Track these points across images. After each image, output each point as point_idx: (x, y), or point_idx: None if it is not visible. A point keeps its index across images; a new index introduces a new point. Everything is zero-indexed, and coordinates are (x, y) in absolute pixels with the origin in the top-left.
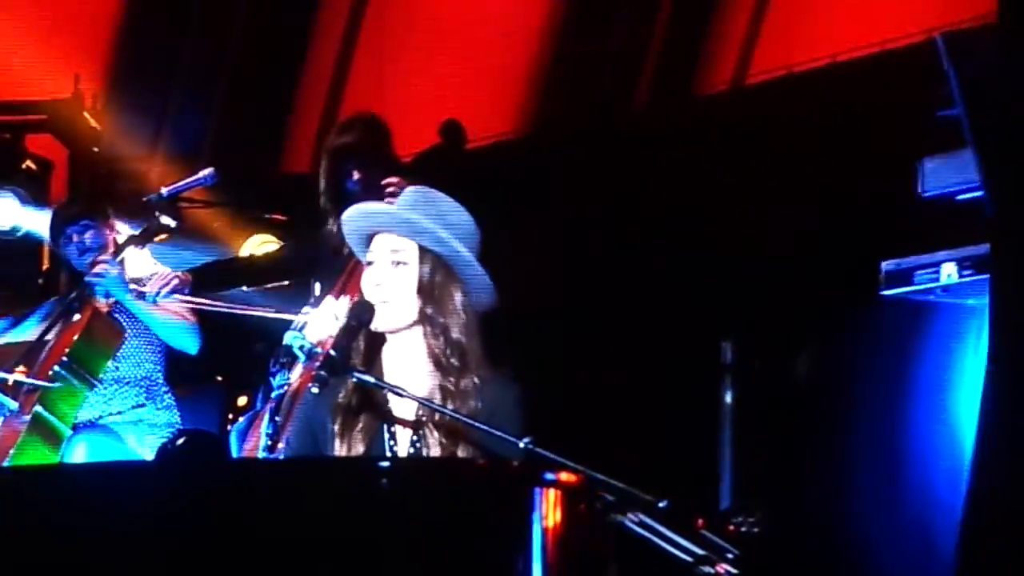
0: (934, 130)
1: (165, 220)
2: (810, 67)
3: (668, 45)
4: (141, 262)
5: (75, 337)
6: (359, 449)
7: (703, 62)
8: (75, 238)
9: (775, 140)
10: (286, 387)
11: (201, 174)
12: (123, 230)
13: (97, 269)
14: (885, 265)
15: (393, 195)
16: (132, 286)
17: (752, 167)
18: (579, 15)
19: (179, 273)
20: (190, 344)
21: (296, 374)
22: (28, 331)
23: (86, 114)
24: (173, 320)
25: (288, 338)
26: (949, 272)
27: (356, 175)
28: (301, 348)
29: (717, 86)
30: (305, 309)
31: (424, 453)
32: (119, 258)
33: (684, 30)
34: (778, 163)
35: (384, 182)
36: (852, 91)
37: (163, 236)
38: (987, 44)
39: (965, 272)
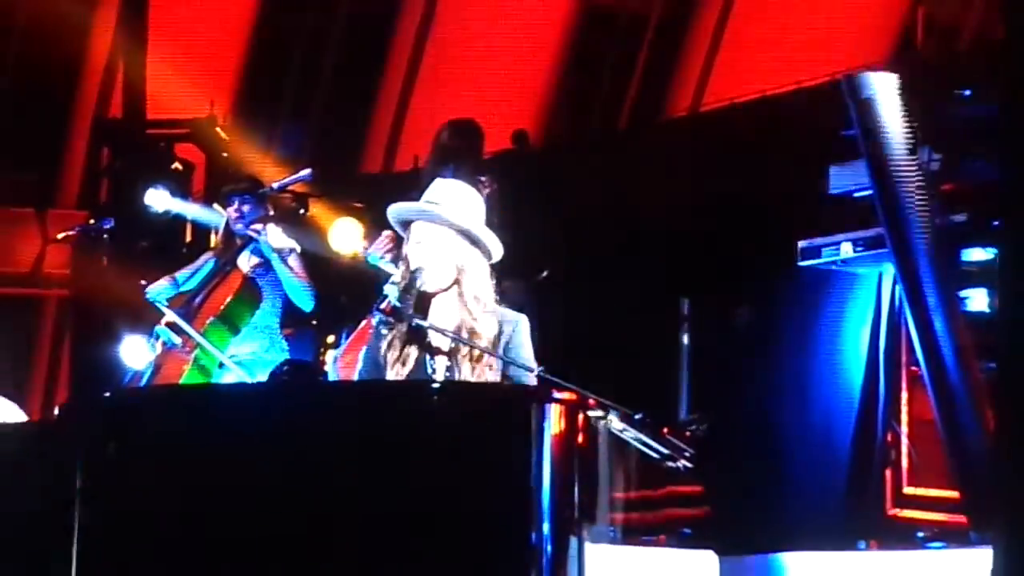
0: (838, 145)
1: (295, 206)
2: (747, 99)
3: (644, 82)
4: (277, 234)
5: (228, 298)
6: (407, 375)
7: (669, 95)
8: (236, 204)
9: (722, 152)
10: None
11: (301, 173)
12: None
13: (257, 227)
14: (801, 243)
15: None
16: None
17: (705, 172)
18: (578, 57)
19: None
20: (307, 303)
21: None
22: (195, 281)
23: (218, 129)
24: (300, 282)
25: (386, 289)
26: (847, 249)
27: (451, 168)
28: (395, 296)
29: (679, 112)
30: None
31: (455, 376)
32: (267, 227)
33: (656, 71)
34: (723, 169)
35: (482, 180)
36: (777, 116)
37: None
38: (876, 83)
39: (858, 249)
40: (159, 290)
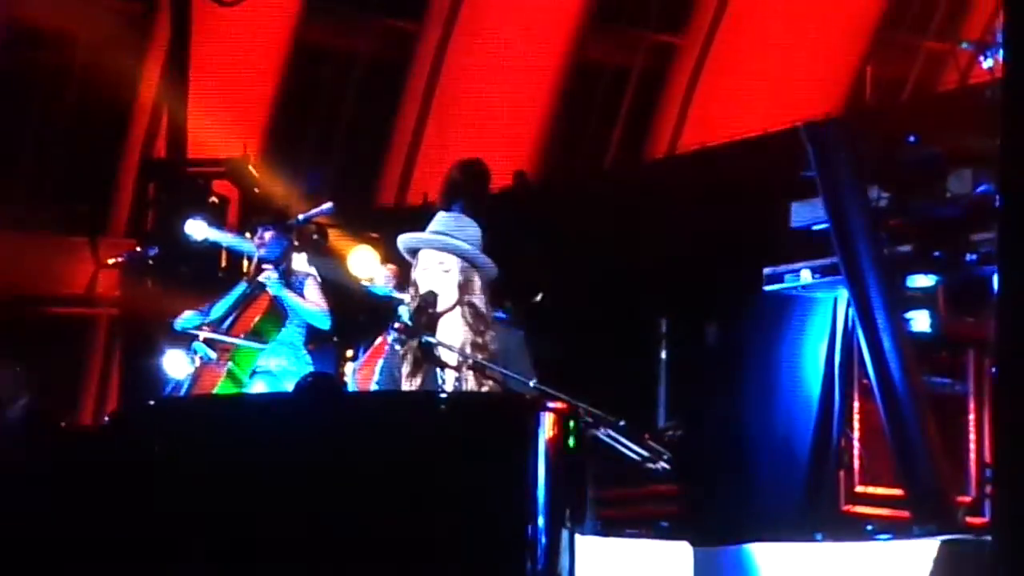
0: (798, 184)
1: (316, 236)
2: (718, 143)
3: (627, 127)
4: (300, 261)
5: (257, 317)
6: (419, 387)
7: (649, 138)
8: (258, 232)
9: (695, 189)
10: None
11: (323, 206)
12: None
13: (264, 275)
14: (766, 270)
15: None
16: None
17: (680, 207)
18: (568, 105)
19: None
20: (323, 323)
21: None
22: (226, 305)
23: (250, 167)
24: (312, 308)
25: (400, 310)
26: (806, 276)
27: (460, 202)
28: (408, 316)
29: (658, 154)
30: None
31: (463, 387)
32: (287, 258)
33: (637, 117)
34: (697, 204)
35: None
36: (744, 158)
37: (313, 247)
38: (831, 131)
39: (816, 276)
40: (187, 319)
